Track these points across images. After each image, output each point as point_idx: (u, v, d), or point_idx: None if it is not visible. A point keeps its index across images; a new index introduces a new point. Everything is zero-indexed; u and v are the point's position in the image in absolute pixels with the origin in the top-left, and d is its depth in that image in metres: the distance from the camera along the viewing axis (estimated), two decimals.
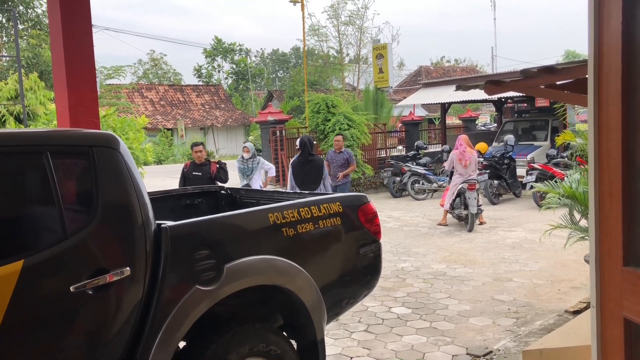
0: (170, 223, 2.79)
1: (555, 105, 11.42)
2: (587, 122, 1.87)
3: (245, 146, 9.43)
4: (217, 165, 7.80)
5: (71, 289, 2.38)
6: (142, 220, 2.67)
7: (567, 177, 5.83)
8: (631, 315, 1.63)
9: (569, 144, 8.29)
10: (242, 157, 9.25)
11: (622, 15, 1.60)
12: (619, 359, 1.68)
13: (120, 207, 2.66)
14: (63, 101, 4.62)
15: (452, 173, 10.40)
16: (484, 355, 4.59)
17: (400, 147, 19.72)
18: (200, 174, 7.69)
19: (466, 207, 9.92)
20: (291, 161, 7.84)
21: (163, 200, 4.61)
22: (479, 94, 12.44)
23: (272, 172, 9.59)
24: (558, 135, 8.43)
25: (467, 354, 4.64)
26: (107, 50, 66.32)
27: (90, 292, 2.45)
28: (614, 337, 1.70)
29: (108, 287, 2.52)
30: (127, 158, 2.75)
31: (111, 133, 2.85)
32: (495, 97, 16.71)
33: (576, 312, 5.29)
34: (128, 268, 2.57)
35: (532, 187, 11.03)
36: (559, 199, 5.43)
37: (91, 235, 2.53)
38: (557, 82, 4.05)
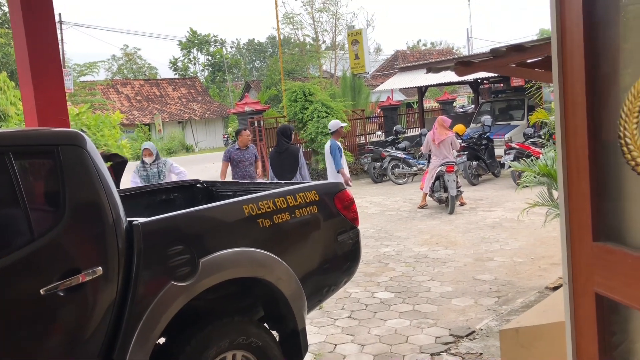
0: (142, 219, 2.74)
1: (526, 85, 11.48)
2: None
3: (145, 147, 7.50)
4: (111, 164, 6.52)
5: (42, 291, 2.33)
6: (113, 218, 2.63)
7: (542, 155, 5.87)
8: (602, 290, 1.63)
9: (542, 122, 8.36)
10: (143, 161, 7.48)
11: None
12: (592, 334, 1.69)
13: (89, 205, 2.60)
14: (30, 101, 4.52)
15: (430, 156, 10.44)
16: (467, 336, 4.62)
17: (379, 133, 19.75)
18: None
19: (446, 189, 9.95)
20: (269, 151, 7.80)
21: (138, 197, 4.54)
22: (454, 75, 12.48)
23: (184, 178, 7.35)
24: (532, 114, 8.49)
25: (450, 334, 4.67)
26: (79, 47, 65.48)
27: (62, 294, 2.40)
28: (586, 313, 1.71)
29: (81, 288, 2.47)
30: (94, 156, 2.70)
31: (77, 131, 2.79)
32: (471, 77, 16.79)
33: (556, 288, 5.35)
34: (100, 267, 2.52)
35: (510, 166, 11.11)
36: (535, 177, 5.47)
37: (60, 235, 2.47)
38: (528, 61, 4.05)
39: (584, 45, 1.60)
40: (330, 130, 8.60)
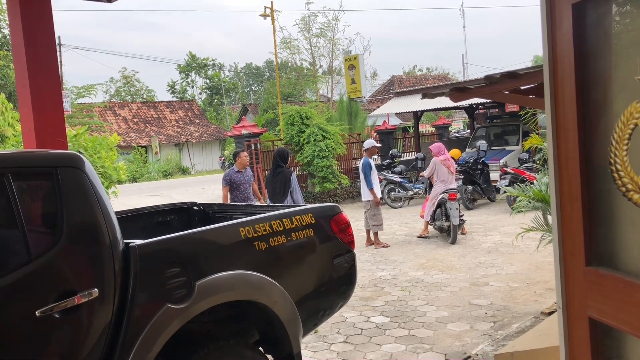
0: (138, 241, 2.74)
1: (521, 112, 11.60)
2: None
3: None
4: None
5: (37, 313, 2.32)
6: (110, 240, 2.63)
7: (537, 180, 5.91)
8: (595, 314, 1.65)
9: (537, 147, 8.43)
10: None
11: (572, 18, 1.63)
12: (586, 359, 1.70)
13: (86, 227, 2.61)
14: (29, 122, 4.55)
15: (431, 184, 10.13)
16: None
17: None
18: None
19: (447, 218, 9.50)
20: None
21: (134, 219, 4.54)
22: (449, 101, 12.58)
23: None
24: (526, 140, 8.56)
25: (446, 359, 4.65)
26: (78, 69, 65.82)
27: (57, 316, 2.39)
28: (580, 337, 1.72)
29: (76, 310, 2.46)
30: (92, 177, 2.71)
31: (76, 153, 2.80)
32: (466, 103, 16.94)
33: (551, 313, 5.34)
34: (96, 289, 2.52)
35: (505, 191, 11.13)
36: (529, 202, 5.50)
37: (57, 257, 2.47)
38: (521, 87, 4.11)
39: (575, 73, 1.64)
40: (364, 147, 9.42)
